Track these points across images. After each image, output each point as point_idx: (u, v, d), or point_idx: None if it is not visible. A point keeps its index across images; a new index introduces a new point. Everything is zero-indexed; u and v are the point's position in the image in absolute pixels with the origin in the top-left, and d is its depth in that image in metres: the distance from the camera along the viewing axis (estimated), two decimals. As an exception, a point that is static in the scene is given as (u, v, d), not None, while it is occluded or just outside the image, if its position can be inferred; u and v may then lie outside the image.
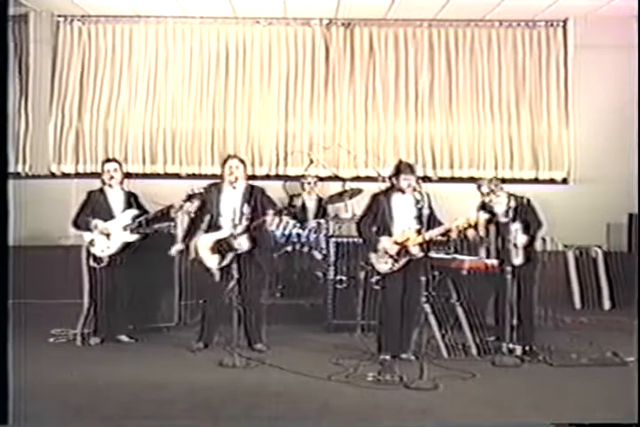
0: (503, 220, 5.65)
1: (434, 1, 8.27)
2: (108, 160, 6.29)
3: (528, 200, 5.81)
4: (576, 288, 7.78)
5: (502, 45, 8.97)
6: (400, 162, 5.71)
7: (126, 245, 5.92)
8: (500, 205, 5.77)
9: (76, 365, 5.18)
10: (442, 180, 8.71)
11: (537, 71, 8.94)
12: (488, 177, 6.42)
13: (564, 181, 8.86)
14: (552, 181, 8.79)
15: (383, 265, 5.37)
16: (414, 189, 5.33)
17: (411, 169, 5.45)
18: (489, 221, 5.48)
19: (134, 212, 6.00)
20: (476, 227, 5.25)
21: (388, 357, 5.31)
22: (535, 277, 5.71)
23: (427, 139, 8.91)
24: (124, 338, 5.96)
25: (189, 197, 5.82)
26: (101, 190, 6.05)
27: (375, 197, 5.53)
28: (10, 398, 3.45)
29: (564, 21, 8.85)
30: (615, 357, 5.37)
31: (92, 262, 5.88)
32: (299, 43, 8.98)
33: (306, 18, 8.88)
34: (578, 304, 7.76)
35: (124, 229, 5.90)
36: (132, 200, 6.08)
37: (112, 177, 5.99)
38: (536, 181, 8.76)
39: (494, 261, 5.53)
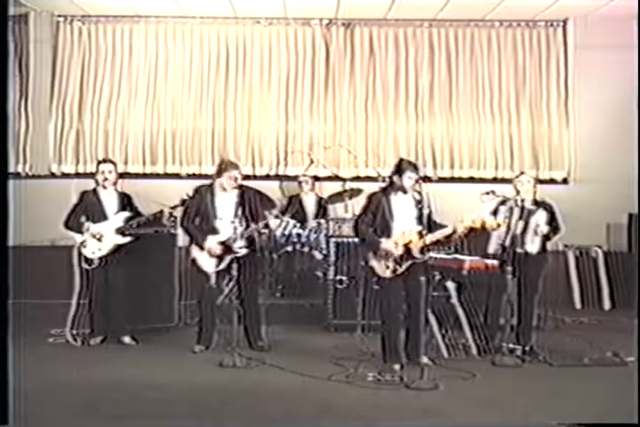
0: (531, 207, 5.63)
1: (434, 1, 8.27)
2: (103, 161, 6.20)
3: (551, 205, 5.81)
4: (576, 288, 7.77)
5: (502, 45, 8.99)
6: (402, 160, 5.39)
7: (117, 248, 5.88)
8: (529, 194, 5.75)
9: (76, 365, 5.18)
10: (442, 180, 8.71)
11: (537, 71, 8.95)
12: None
13: (565, 181, 8.88)
14: (552, 181, 8.78)
15: (385, 269, 5.11)
16: (415, 189, 5.17)
17: (414, 167, 5.19)
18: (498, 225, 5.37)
19: (127, 214, 5.95)
20: (482, 229, 5.06)
21: (396, 366, 5.04)
22: (539, 278, 5.69)
23: (427, 139, 8.92)
24: (126, 339, 5.94)
25: (183, 203, 5.80)
26: (94, 191, 5.98)
27: (372, 196, 5.27)
28: (10, 398, 3.44)
29: (564, 21, 8.87)
30: (615, 357, 5.36)
31: (83, 264, 5.85)
32: (299, 43, 8.99)
33: (306, 18, 8.88)
34: (578, 304, 7.75)
35: (116, 231, 5.86)
36: (125, 202, 6.02)
37: (106, 178, 5.92)
38: (536, 181, 8.74)
39: (494, 262, 5.51)
